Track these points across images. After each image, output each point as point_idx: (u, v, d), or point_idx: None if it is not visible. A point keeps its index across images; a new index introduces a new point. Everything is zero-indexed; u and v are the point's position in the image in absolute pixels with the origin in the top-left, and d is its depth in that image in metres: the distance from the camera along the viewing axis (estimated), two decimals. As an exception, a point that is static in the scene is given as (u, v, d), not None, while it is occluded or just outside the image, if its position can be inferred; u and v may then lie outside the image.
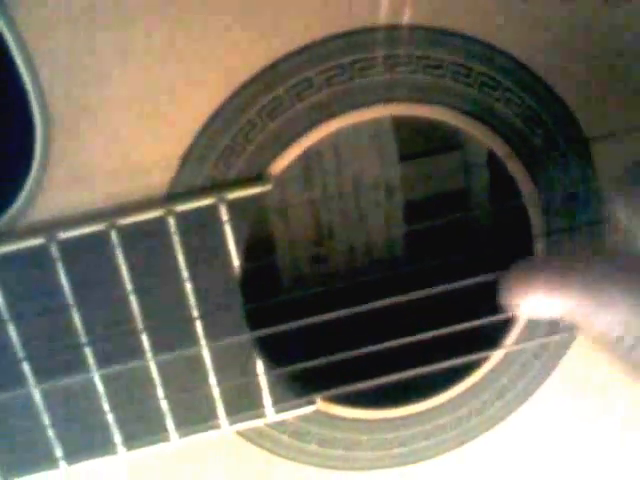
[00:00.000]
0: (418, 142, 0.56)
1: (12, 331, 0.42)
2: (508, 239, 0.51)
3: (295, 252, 0.56)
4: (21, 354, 0.43)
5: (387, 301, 0.46)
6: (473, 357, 0.48)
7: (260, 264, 0.50)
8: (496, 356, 0.49)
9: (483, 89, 0.44)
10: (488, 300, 0.43)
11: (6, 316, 0.42)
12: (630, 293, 0.35)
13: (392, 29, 0.42)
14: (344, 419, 0.49)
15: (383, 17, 0.42)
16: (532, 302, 0.38)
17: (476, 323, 0.47)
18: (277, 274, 0.56)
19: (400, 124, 0.54)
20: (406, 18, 0.42)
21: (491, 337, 0.49)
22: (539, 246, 0.47)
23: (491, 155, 0.53)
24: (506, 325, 0.48)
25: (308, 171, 0.53)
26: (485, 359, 0.49)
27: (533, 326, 0.48)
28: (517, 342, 0.49)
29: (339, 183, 0.55)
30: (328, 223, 0.56)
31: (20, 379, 0.43)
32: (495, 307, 0.41)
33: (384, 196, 0.56)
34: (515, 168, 0.46)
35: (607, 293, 0.36)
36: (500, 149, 0.46)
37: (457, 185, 0.56)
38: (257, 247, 0.52)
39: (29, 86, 0.39)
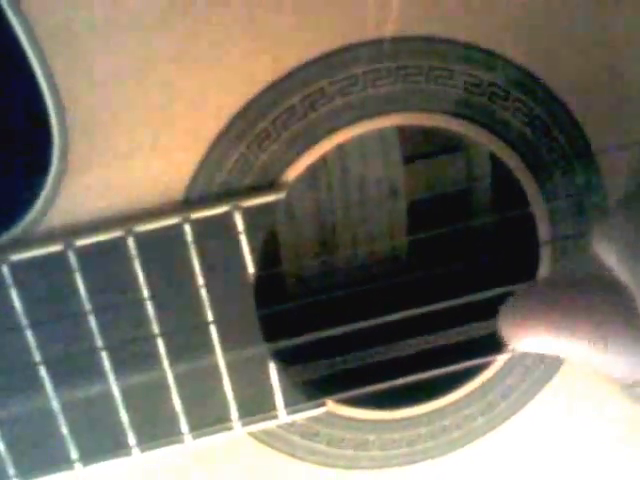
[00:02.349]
0: (421, 144, 0.56)
1: (30, 336, 0.43)
2: (512, 240, 0.52)
3: (299, 254, 0.56)
4: (38, 359, 0.43)
5: (403, 314, 0.47)
6: (479, 361, 0.49)
7: (272, 273, 0.51)
8: (502, 358, 0.50)
9: (493, 98, 0.45)
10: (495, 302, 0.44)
11: (24, 322, 0.42)
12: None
13: (402, 40, 0.43)
14: (353, 420, 0.50)
15: (395, 29, 0.43)
16: (532, 342, 0.36)
17: (481, 326, 0.49)
18: (281, 276, 0.56)
19: (404, 127, 0.54)
20: (418, 30, 0.43)
21: (497, 339, 0.50)
22: (546, 252, 0.48)
23: (493, 157, 0.54)
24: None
25: (312, 173, 0.54)
26: (491, 361, 0.50)
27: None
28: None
29: (343, 185, 0.55)
30: (332, 224, 0.56)
31: (37, 383, 0.44)
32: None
33: (388, 197, 0.56)
34: (523, 175, 0.47)
35: (614, 337, 0.34)
36: (508, 157, 0.46)
37: (460, 186, 0.57)
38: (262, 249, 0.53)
39: (46, 93, 0.40)
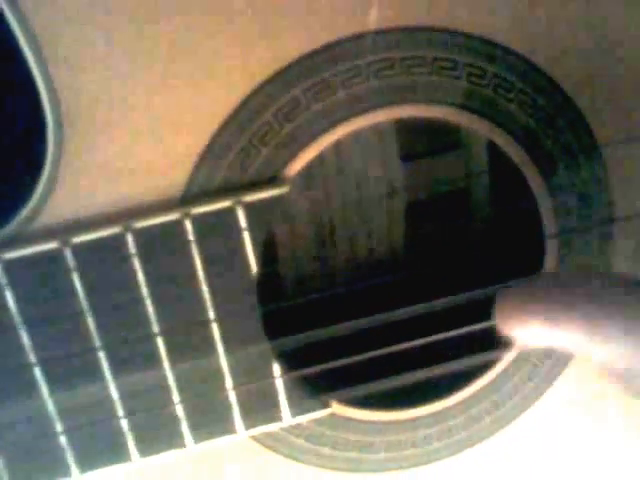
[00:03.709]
0: (419, 142, 0.56)
1: (25, 337, 0.41)
2: (514, 236, 0.51)
3: (297, 252, 0.55)
4: (33, 360, 0.42)
5: (408, 310, 0.46)
6: (485, 358, 0.49)
7: (271, 269, 0.50)
8: (508, 357, 0.49)
9: (498, 90, 0.44)
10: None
11: (19, 322, 0.41)
12: (633, 330, 0.34)
13: (405, 31, 0.42)
14: (358, 421, 0.48)
15: (398, 20, 0.42)
16: (529, 333, 0.36)
17: (485, 325, 0.48)
18: (279, 275, 0.55)
19: (401, 124, 0.54)
20: (422, 20, 0.42)
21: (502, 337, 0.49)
22: (551, 246, 0.47)
23: (492, 153, 0.54)
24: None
25: (310, 171, 0.53)
26: (496, 360, 0.49)
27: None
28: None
29: (341, 183, 0.54)
30: (330, 223, 0.55)
31: (33, 386, 0.42)
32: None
33: (386, 196, 0.56)
34: (527, 168, 0.46)
35: (610, 328, 0.34)
36: (512, 150, 0.46)
37: (459, 184, 0.57)
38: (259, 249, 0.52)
39: (41, 86, 0.39)
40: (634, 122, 0.46)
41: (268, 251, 0.53)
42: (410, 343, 0.47)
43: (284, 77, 0.41)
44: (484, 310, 0.47)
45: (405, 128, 0.54)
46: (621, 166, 0.47)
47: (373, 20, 0.42)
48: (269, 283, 0.53)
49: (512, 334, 0.37)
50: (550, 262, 0.48)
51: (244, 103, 0.41)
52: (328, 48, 0.41)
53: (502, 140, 0.46)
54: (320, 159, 0.53)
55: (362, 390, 0.47)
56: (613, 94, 0.45)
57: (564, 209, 0.47)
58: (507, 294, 0.37)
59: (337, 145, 0.53)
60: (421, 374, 0.48)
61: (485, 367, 0.49)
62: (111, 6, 0.38)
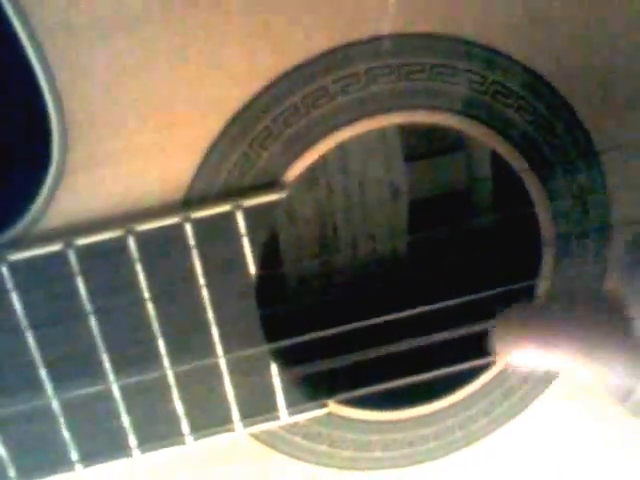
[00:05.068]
0: (423, 143, 0.56)
1: (29, 337, 0.42)
2: (514, 239, 0.52)
3: (300, 254, 0.56)
4: (38, 360, 0.43)
5: (403, 313, 0.47)
6: (480, 362, 0.49)
7: (273, 273, 0.51)
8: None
9: (497, 97, 0.45)
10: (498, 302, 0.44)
11: (24, 322, 0.42)
12: (624, 352, 0.35)
13: (404, 38, 0.43)
14: (355, 420, 0.49)
15: (395, 26, 0.42)
16: (523, 356, 0.37)
17: (484, 325, 0.48)
18: (282, 276, 0.56)
19: (405, 126, 0.54)
20: (418, 27, 0.42)
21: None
22: (548, 252, 0.48)
23: (495, 156, 0.54)
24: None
25: (313, 174, 0.54)
26: (493, 362, 0.50)
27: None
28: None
29: (344, 183, 0.55)
30: (333, 223, 0.56)
31: (37, 385, 0.43)
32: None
33: (389, 196, 0.56)
34: (526, 174, 0.46)
35: (602, 352, 0.35)
36: (511, 156, 0.46)
37: (461, 185, 0.57)
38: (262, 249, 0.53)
39: (46, 92, 0.40)
40: (632, 128, 0.46)
41: (271, 252, 0.54)
42: (397, 345, 0.48)
43: (284, 84, 0.42)
44: (480, 312, 0.48)
45: (409, 129, 0.55)
46: (619, 172, 0.47)
47: (373, 27, 0.42)
48: (271, 284, 0.54)
49: (507, 358, 0.38)
50: (547, 268, 0.48)
51: (244, 109, 0.42)
52: (327, 55, 0.42)
53: (501, 146, 0.46)
54: (324, 161, 0.54)
55: (359, 392, 0.48)
56: (612, 100, 0.45)
57: (562, 214, 0.47)
58: (501, 320, 0.38)
59: (341, 147, 0.53)
60: (418, 378, 0.48)
61: (482, 369, 0.50)
62: (112, 14, 0.39)
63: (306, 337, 0.47)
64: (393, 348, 0.49)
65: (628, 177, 0.47)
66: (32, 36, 0.38)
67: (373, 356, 0.49)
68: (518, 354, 0.37)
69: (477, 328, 0.49)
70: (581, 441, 0.53)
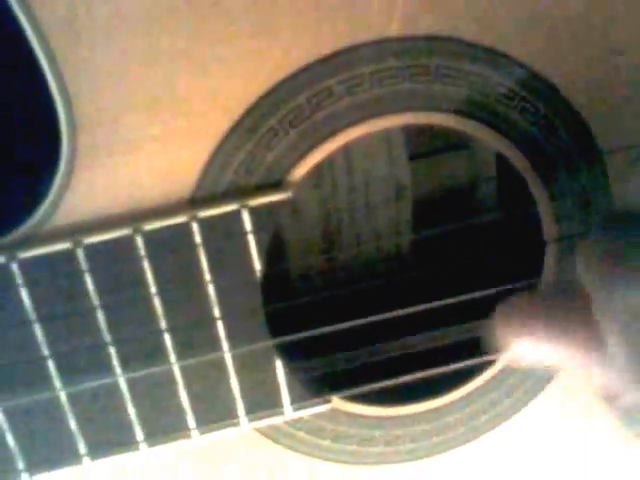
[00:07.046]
0: (427, 142, 0.56)
1: (38, 332, 0.43)
2: (517, 238, 0.52)
3: (305, 251, 0.57)
4: (47, 354, 0.44)
5: (407, 310, 0.47)
6: (482, 359, 0.50)
7: (277, 269, 0.51)
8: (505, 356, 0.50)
9: (500, 98, 0.45)
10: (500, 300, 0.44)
11: (33, 318, 0.43)
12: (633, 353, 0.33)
13: (408, 40, 0.43)
14: (358, 416, 0.50)
15: (401, 28, 0.43)
16: (521, 350, 0.37)
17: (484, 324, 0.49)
18: (287, 273, 0.57)
19: (409, 125, 0.54)
20: (425, 29, 0.43)
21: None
22: (550, 251, 0.48)
23: (498, 156, 0.54)
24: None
25: (318, 172, 0.54)
26: (495, 359, 0.50)
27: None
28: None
29: (349, 183, 0.55)
30: (337, 221, 0.57)
31: (46, 378, 0.44)
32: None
33: (393, 194, 0.56)
34: (528, 174, 0.47)
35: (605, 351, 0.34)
36: (514, 156, 0.47)
37: (465, 183, 0.57)
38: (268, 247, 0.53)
39: (55, 91, 0.40)
40: (635, 128, 0.47)
41: (276, 249, 0.55)
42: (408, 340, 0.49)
43: (289, 84, 0.42)
44: (482, 310, 0.49)
45: (413, 128, 0.55)
46: (622, 172, 0.47)
47: (377, 29, 0.42)
48: (277, 280, 0.55)
49: (505, 352, 0.38)
50: (549, 267, 0.49)
51: (250, 109, 0.43)
52: (332, 57, 0.42)
53: (504, 147, 0.46)
54: (329, 160, 0.54)
55: (363, 389, 0.49)
56: (615, 101, 0.46)
57: (565, 214, 0.48)
58: (498, 315, 0.38)
59: (346, 146, 0.54)
60: (421, 374, 0.49)
61: (484, 365, 0.51)
62: (119, 12, 0.39)
63: (310, 333, 0.47)
64: (398, 345, 0.50)
65: (630, 177, 0.47)
66: (39, 32, 0.39)
67: (385, 352, 0.50)
68: (519, 346, 0.37)
69: (477, 326, 0.50)
70: (582, 439, 0.54)
